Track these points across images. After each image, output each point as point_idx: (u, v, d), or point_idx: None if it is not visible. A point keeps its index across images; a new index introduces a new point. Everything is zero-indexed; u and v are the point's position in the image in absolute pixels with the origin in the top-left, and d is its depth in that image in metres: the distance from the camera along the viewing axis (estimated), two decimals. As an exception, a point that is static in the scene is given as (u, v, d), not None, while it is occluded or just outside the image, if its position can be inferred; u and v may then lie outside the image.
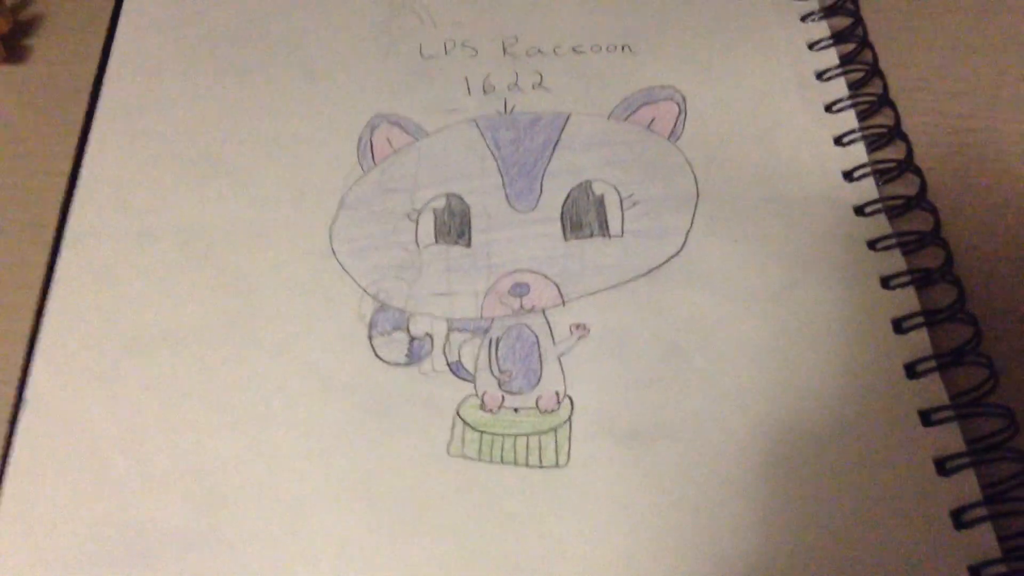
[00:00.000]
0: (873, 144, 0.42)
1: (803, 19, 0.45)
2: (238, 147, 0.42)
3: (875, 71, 0.43)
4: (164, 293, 0.38)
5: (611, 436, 0.34)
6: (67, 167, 0.42)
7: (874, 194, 0.40)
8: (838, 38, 0.45)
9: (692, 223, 0.39)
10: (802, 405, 0.35)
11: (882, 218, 0.39)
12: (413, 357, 0.36)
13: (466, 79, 0.44)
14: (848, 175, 0.40)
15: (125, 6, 0.47)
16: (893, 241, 0.38)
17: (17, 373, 0.36)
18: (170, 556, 0.32)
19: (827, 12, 0.46)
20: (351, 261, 0.38)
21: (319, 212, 0.40)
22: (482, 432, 0.34)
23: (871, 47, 0.44)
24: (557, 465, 0.34)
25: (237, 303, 0.37)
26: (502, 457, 0.34)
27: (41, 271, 0.39)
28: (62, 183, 0.41)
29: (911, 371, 0.35)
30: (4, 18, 0.46)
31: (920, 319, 0.36)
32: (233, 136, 0.42)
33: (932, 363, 0.35)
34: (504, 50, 0.45)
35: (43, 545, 0.33)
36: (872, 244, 0.38)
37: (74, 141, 0.42)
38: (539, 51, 0.44)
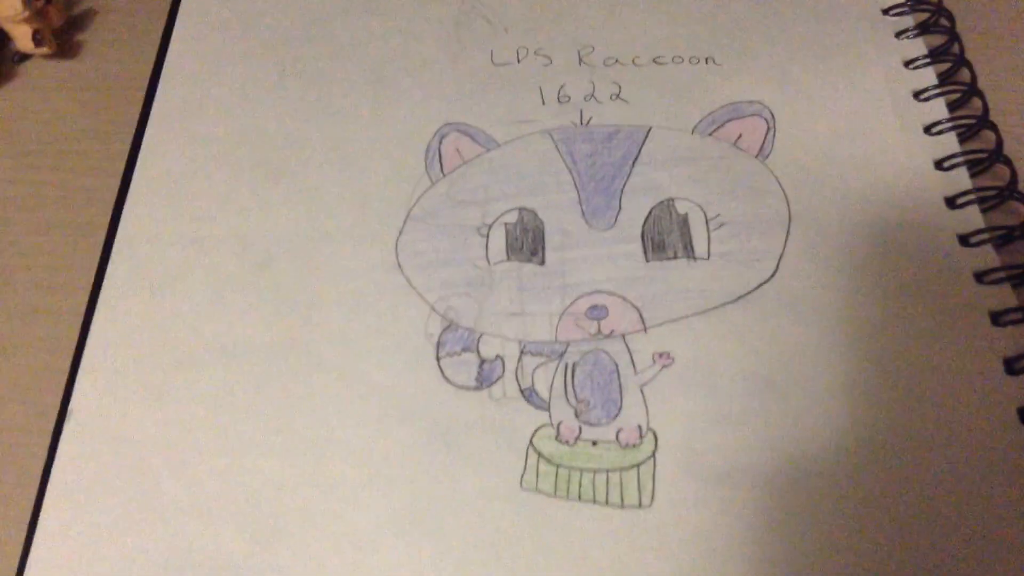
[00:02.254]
0: (975, 168, 0.39)
1: (898, 35, 0.43)
2: (300, 153, 0.39)
3: (973, 91, 0.41)
4: (219, 304, 0.35)
5: (698, 477, 0.31)
6: (120, 167, 0.40)
7: (979, 222, 0.37)
8: (934, 56, 0.42)
9: (785, 247, 0.36)
10: (907, 451, 0.32)
11: (989, 248, 0.36)
12: (483, 381, 0.34)
13: (540, 88, 0.41)
14: (951, 202, 0.37)
15: (184, 2, 0.45)
16: (1002, 274, 0.35)
17: (62, 382, 0.34)
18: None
19: (922, 29, 0.43)
20: (418, 276, 0.36)
21: (384, 223, 0.37)
22: (558, 465, 0.32)
23: (969, 66, 0.41)
24: (640, 506, 0.31)
25: (296, 317, 0.35)
26: (580, 494, 0.31)
27: (91, 275, 0.37)
28: (115, 184, 0.39)
29: (1026, 416, 0.32)
30: (58, 11, 0.44)
31: (1034, 360, 0.33)
32: (295, 141, 0.40)
33: (1050, 409, 0.32)
34: (580, 59, 0.42)
35: (82, 569, 0.31)
36: (979, 276, 0.35)
37: (128, 141, 0.41)
38: (617, 61, 0.42)
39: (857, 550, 0.30)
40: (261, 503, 0.31)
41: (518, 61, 0.42)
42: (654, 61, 0.42)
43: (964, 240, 0.36)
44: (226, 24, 0.44)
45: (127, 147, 0.40)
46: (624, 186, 0.38)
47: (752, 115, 0.40)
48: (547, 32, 0.43)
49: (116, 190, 0.39)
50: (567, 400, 0.33)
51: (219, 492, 0.32)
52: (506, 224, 0.37)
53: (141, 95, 0.42)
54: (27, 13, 0.43)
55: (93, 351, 0.35)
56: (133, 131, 0.41)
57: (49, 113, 0.43)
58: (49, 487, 0.32)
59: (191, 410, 0.33)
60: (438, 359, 0.34)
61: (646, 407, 0.33)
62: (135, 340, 0.35)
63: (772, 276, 0.35)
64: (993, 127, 0.39)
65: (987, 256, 0.36)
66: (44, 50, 0.44)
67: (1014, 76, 0.42)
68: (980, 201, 0.37)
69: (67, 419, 0.33)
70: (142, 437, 0.33)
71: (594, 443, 0.32)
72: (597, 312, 0.35)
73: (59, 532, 0.31)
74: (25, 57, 0.44)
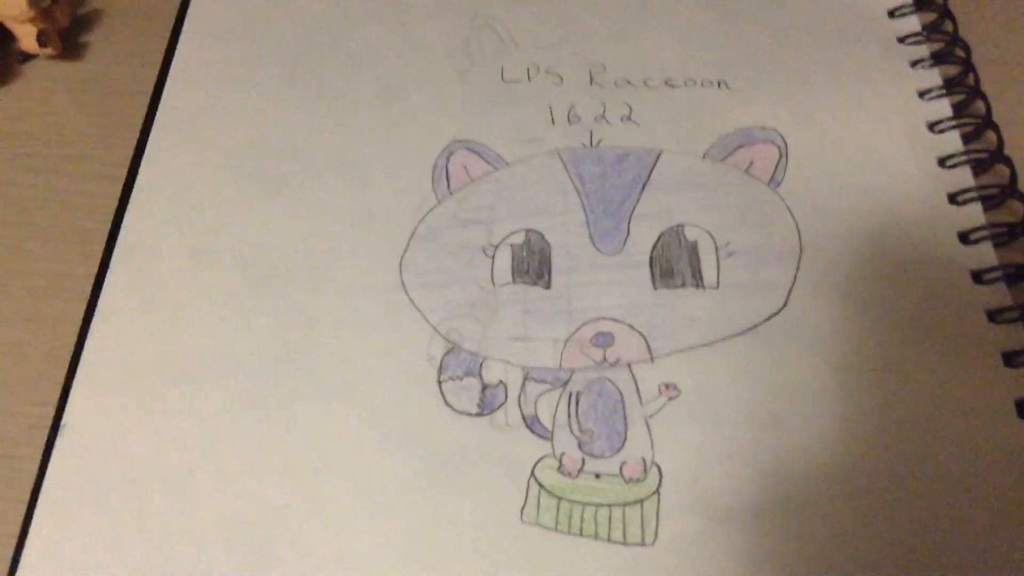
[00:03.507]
0: (988, 203, 0.38)
1: (913, 65, 0.42)
2: (305, 166, 0.39)
3: (988, 124, 0.40)
4: (218, 318, 0.35)
5: (703, 514, 0.31)
6: (122, 174, 0.39)
7: (992, 258, 0.36)
8: (949, 87, 0.41)
9: (795, 279, 0.36)
10: (917, 493, 0.31)
11: (1002, 286, 0.36)
12: (485, 407, 0.33)
13: (550, 107, 0.41)
14: (964, 237, 0.37)
15: (191, 7, 0.44)
16: (1015, 313, 0.35)
17: (57, 394, 0.34)
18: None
19: (937, 59, 0.43)
20: (422, 296, 0.35)
21: (389, 241, 0.37)
22: (560, 498, 0.31)
23: (984, 98, 0.41)
24: (643, 543, 0.31)
25: (296, 335, 0.34)
26: (581, 529, 0.31)
27: (88, 284, 0.36)
28: (116, 191, 0.39)
29: (1037, 461, 0.32)
30: (64, 11, 0.44)
31: (1047, 403, 0.33)
32: (300, 154, 0.39)
33: (1061, 453, 0.32)
34: (591, 79, 0.42)
35: (70, 587, 0.30)
36: (992, 315, 0.35)
37: (131, 147, 0.40)
38: (628, 82, 0.41)
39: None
40: (255, 527, 0.31)
41: (528, 79, 0.42)
42: (666, 83, 0.41)
43: (977, 276, 0.36)
44: (234, 31, 0.43)
45: (130, 153, 0.40)
46: (633, 210, 0.37)
47: (765, 142, 0.39)
48: (558, 50, 0.43)
49: (117, 197, 0.38)
50: (570, 430, 0.33)
51: (212, 514, 0.31)
52: (512, 245, 0.36)
53: (146, 100, 0.41)
54: (32, 12, 0.42)
55: (88, 363, 0.34)
56: (137, 137, 0.40)
57: (52, 115, 0.42)
58: (39, 504, 0.31)
59: (186, 428, 0.32)
60: (439, 383, 0.33)
61: (651, 440, 0.32)
62: (131, 353, 0.34)
63: (782, 308, 0.35)
64: (1007, 161, 0.39)
65: (1000, 293, 0.35)
66: (49, 51, 0.43)
67: (1030, 108, 0.42)
68: (993, 237, 0.37)
69: (60, 433, 0.32)
70: (135, 454, 0.32)
71: (597, 476, 0.32)
72: (603, 339, 0.34)
73: (48, 552, 0.30)
74: (29, 57, 0.44)
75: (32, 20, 0.42)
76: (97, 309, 0.35)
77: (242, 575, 0.30)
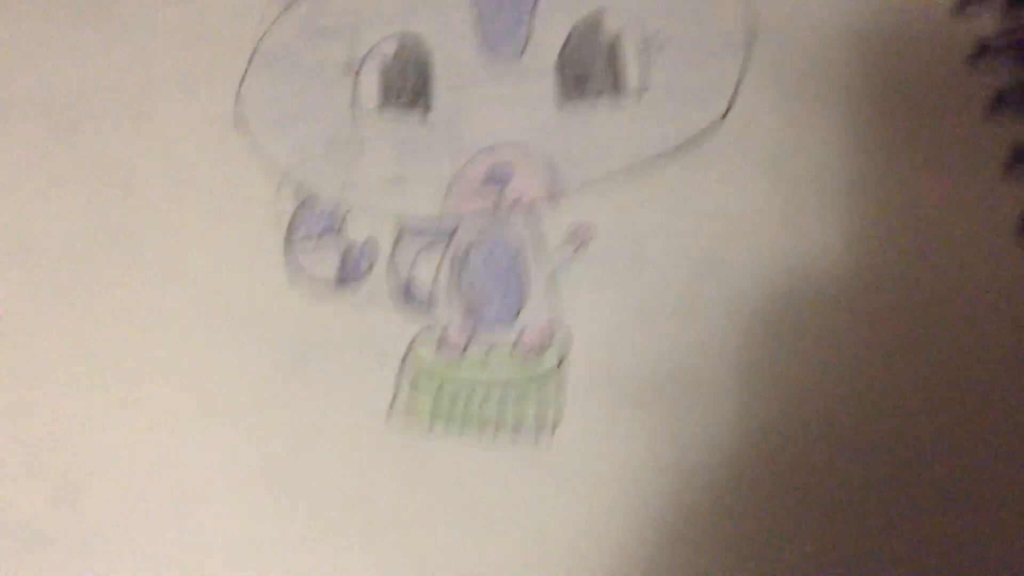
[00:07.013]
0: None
1: None
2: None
3: None
4: (14, 187, 0.28)
5: (618, 390, 0.25)
6: None
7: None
8: None
9: (742, 76, 0.28)
10: (882, 359, 0.25)
11: (1006, 66, 0.28)
12: (348, 273, 0.26)
13: None
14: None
15: None
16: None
17: None
18: (10, 557, 0.25)
19: None
20: (266, 134, 0.28)
21: (223, 65, 0.29)
22: (441, 381, 0.25)
23: None
24: (542, 429, 0.25)
25: (112, 198, 0.28)
26: (467, 417, 0.25)
27: None
28: None
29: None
30: None
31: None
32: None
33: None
34: None
35: None
36: (995, 105, 0.27)
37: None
38: None
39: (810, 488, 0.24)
40: (63, 448, 0.25)
41: None
42: None
43: (977, 54, 0.28)
44: None
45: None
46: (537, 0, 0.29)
47: None
48: None
49: None
50: (457, 295, 0.26)
51: (10, 437, 0.25)
52: (383, 58, 0.29)
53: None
54: None
55: None
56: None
57: None
58: None
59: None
60: (290, 246, 0.27)
61: (556, 300, 0.26)
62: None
63: (725, 114, 0.27)
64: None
65: (1003, 76, 0.28)
66: None
67: None
68: (1002, -2, 0.29)
69: None
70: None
71: (488, 350, 0.25)
72: (499, 174, 0.27)
73: None
74: None
75: None
76: None
77: (50, 508, 0.25)
